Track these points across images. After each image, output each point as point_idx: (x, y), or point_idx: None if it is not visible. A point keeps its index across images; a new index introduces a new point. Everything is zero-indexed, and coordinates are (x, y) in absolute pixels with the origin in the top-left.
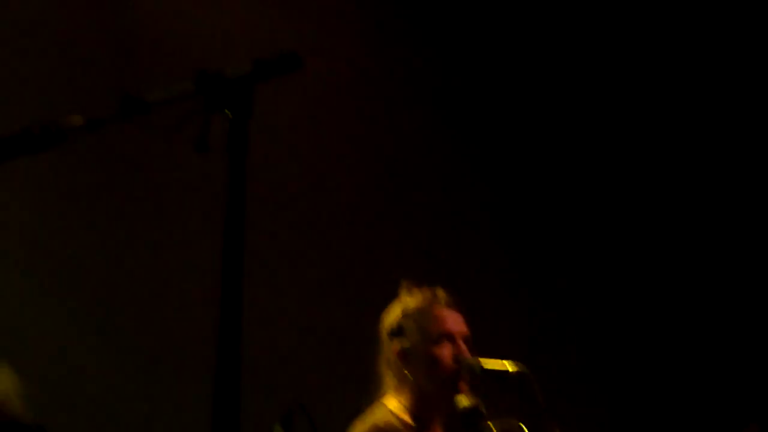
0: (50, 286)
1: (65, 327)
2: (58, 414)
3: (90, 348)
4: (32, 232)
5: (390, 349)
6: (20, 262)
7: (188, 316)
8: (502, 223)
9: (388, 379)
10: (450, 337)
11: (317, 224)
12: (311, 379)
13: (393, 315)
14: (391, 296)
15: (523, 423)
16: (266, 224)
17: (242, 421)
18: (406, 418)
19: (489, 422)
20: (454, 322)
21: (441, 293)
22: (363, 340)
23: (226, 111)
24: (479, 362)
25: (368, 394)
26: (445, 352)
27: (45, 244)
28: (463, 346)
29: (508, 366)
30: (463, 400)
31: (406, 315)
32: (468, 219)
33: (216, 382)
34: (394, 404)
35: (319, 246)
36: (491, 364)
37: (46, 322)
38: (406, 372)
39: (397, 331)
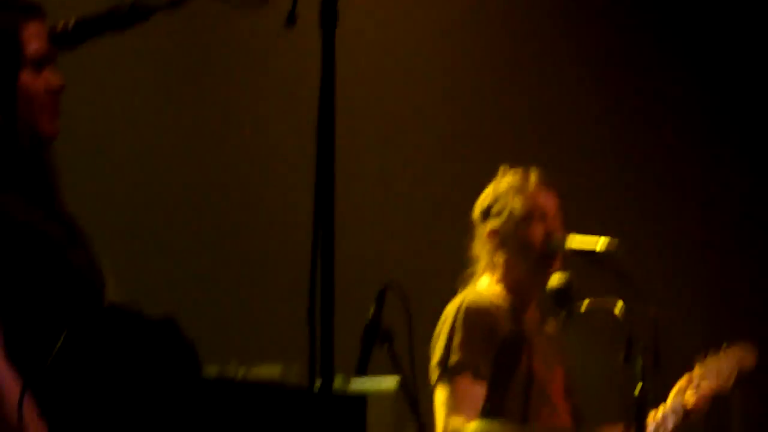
0: (138, 173)
1: (159, 215)
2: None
3: (185, 235)
4: (127, 112)
5: (482, 230)
6: (109, 147)
7: (282, 195)
8: (599, 104)
9: (482, 260)
10: (541, 216)
11: (412, 104)
12: (406, 261)
13: (486, 196)
14: (488, 179)
15: (617, 301)
16: (360, 105)
17: (337, 306)
18: (499, 298)
19: (582, 301)
20: (546, 201)
21: (533, 173)
22: (459, 221)
23: None
24: (570, 240)
25: (462, 276)
26: (537, 231)
27: (136, 126)
28: (555, 225)
29: (599, 244)
30: (556, 279)
31: (497, 195)
32: (564, 101)
33: (312, 268)
34: (487, 285)
35: (416, 126)
36: (583, 242)
37: (139, 210)
38: (498, 252)
39: (489, 212)
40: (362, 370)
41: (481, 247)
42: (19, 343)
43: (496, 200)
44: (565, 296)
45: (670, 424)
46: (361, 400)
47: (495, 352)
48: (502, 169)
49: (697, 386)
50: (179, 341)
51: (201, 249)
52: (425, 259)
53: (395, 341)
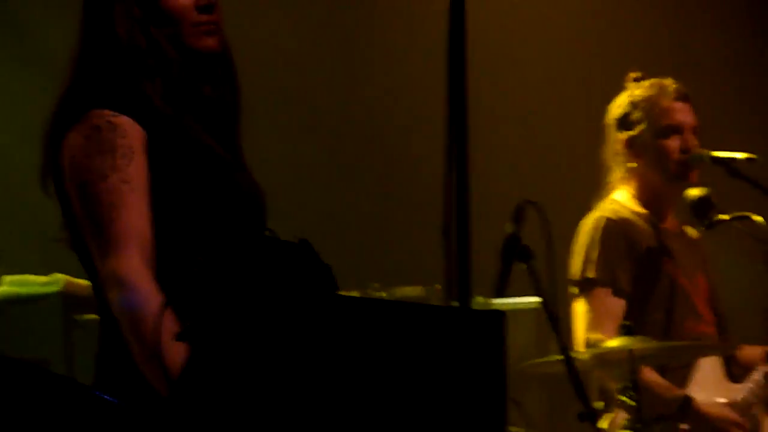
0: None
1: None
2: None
3: (321, 162)
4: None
5: (617, 139)
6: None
7: (416, 115)
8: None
9: (616, 171)
10: (678, 128)
11: (543, 22)
12: (541, 175)
13: (620, 105)
14: (618, 89)
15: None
16: (493, 25)
17: (474, 224)
18: (638, 207)
19: (722, 214)
20: (683, 113)
21: (670, 84)
22: (591, 134)
23: None
24: (707, 152)
25: (597, 187)
26: (673, 144)
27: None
28: (692, 138)
29: (737, 155)
30: (694, 191)
31: (633, 105)
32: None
33: (446, 186)
34: (623, 196)
35: (544, 46)
36: (721, 154)
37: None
38: (633, 163)
39: (624, 122)
40: (501, 289)
41: (614, 155)
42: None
43: (632, 109)
44: (705, 207)
45: None
46: (500, 314)
47: (635, 265)
48: (631, 76)
49: None
50: (315, 263)
51: (338, 173)
52: (562, 174)
53: (534, 259)
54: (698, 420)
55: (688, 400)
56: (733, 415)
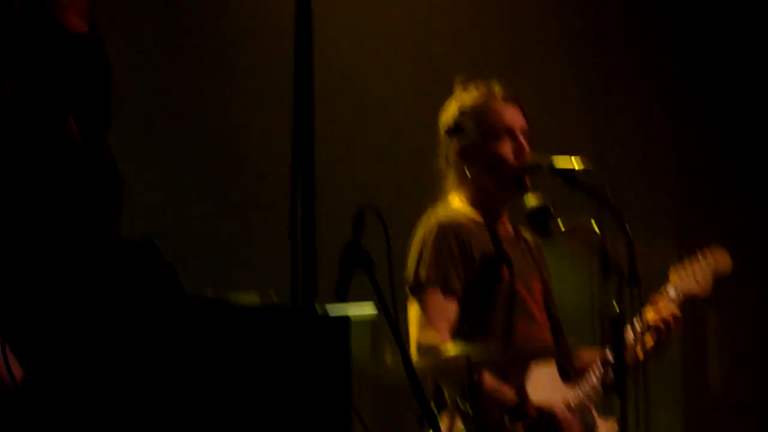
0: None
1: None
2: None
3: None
4: None
5: (449, 147)
6: None
7: (261, 121)
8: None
9: (450, 177)
10: (510, 132)
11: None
12: (379, 182)
13: (450, 112)
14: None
15: (591, 220)
16: (337, 34)
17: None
18: (470, 211)
19: (558, 220)
20: (513, 115)
21: (497, 87)
22: (426, 140)
23: None
24: (546, 159)
25: (432, 194)
26: (506, 147)
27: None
28: (524, 141)
29: (575, 163)
30: (532, 201)
31: (463, 112)
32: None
33: (293, 191)
34: (456, 200)
35: (389, 54)
36: (557, 161)
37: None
38: (467, 169)
39: (455, 129)
40: (342, 294)
41: (448, 164)
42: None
43: (461, 116)
44: (543, 217)
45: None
46: (345, 320)
47: (469, 268)
48: (458, 81)
49: (668, 297)
50: (159, 262)
51: (182, 175)
52: (404, 182)
53: (375, 264)
54: (533, 419)
55: (523, 401)
56: (568, 415)
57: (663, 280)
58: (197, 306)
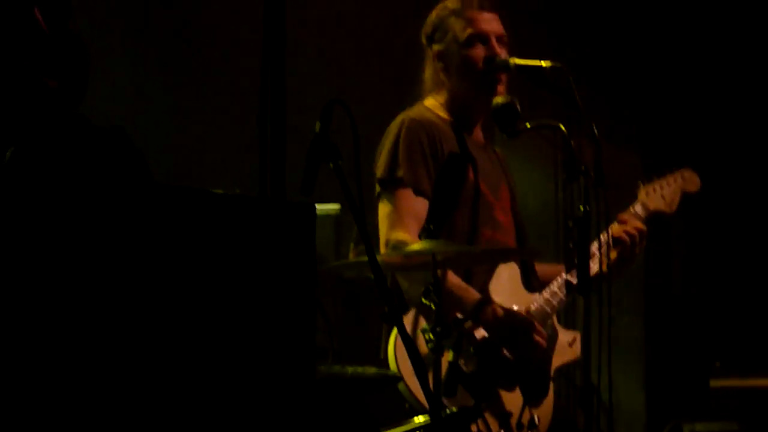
0: None
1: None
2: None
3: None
4: None
5: (428, 52)
6: None
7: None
8: None
9: (428, 81)
10: (483, 37)
11: None
12: (351, 84)
13: (429, 21)
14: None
15: (560, 123)
16: None
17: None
18: (443, 113)
19: (526, 122)
20: (488, 22)
21: None
22: (401, 40)
23: None
24: (512, 59)
25: (411, 96)
26: (477, 52)
27: None
28: (497, 47)
29: (542, 63)
30: (498, 98)
31: (440, 18)
32: None
33: (263, 84)
34: (431, 102)
35: None
36: (524, 62)
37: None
38: (443, 74)
39: (433, 35)
40: (308, 188)
41: (428, 68)
42: None
43: (439, 24)
44: (509, 114)
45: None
46: (311, 207)
47: (438, 166)
48: None
49: (635, 213)
50: (128, 149)
51: (152, 67)
52: (376, 77)
53: (341, 159)
54: (495, 322)
55: (484, 301)
56: (531, 321)
57: (627, 184)
58: (166, 192)
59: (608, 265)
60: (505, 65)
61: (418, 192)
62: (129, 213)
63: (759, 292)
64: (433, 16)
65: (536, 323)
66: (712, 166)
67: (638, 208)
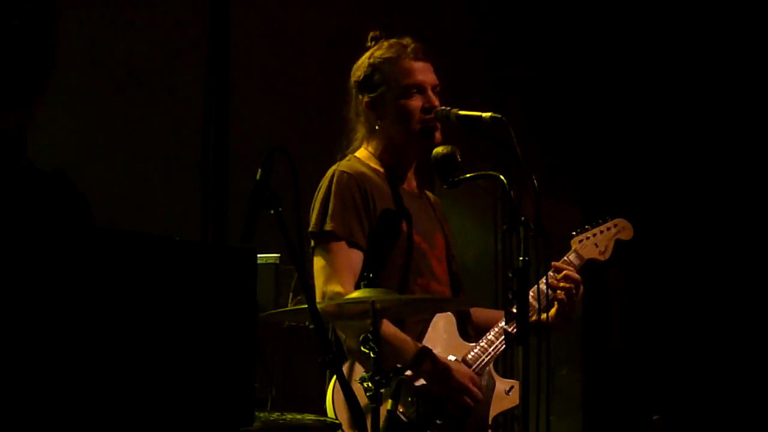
0: None
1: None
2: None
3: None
4: None
5: (359, 101)
6: None
7: (175, 68)
8: None
9: (359, 131)
10: (420, 88)
11: None
12: (290, 132)
13: (361, 67)
14: (360, 51)
15: (500, 174)
16: None
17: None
18: (375, 164)
19: (465, 173)
20: (423, 72)
21: (409, 43)
22: (337, 94)
23: None
24: (453, 110)
25: (341, 146)
26: (415, 103)
27: None
28: (434, 97)
29: (483, 114)
30: (439, 149)
31: (374, 67)
32: None
33: (205, 133)
34: (363, 154)
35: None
36: (466, 113)
37: None
38: (376, 123)
39: (366, 84)
40: (249, 234)
41: (357, 116)
42: None
43: (373, 71)
44: (449, 165)
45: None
46: (252, 252)
47: (371, 220)
48: (372, 36)
49: (569, 263)
50: (70, 193)
51: (95, 110)
52: (314, 129)
53: (281, 206)
54: (434, 372)
55: (424, 352)
56: (469, 371)
57: (565, 235)
58: (107, 236)
59: (547, 314)
60: (446, 116)
61: (351, 244)
62: (70, 256)
63: (696, 345)
64: (365, 63)
65: (473, 374)
66: (650, 218)
67: (572, 257)
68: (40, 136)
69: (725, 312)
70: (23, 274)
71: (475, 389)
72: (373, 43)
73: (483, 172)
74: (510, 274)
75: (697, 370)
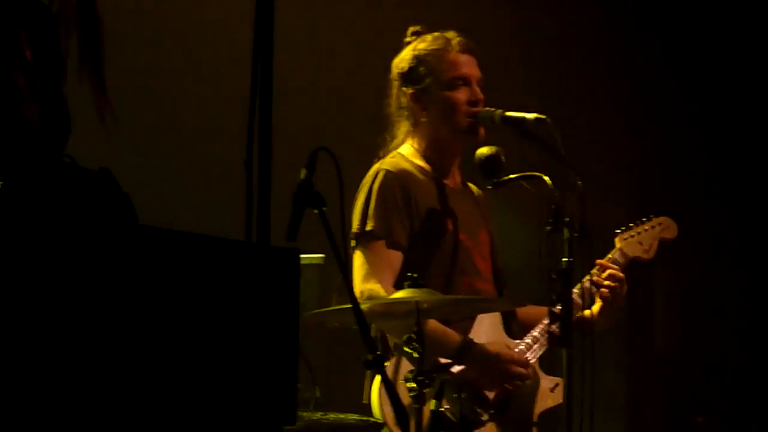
0: None
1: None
2: None
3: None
4: None
5: (403, 94)
6: None
7: (220, 63)
8: None
9: (401, 125)
10: (465, 80)
11: None
12: (334, 131)
13: (404, 60)
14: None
15: (545, 175)
16: None
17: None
18: (421, 162)
19: (509, 174)
20: (468, 66)
21: (453, 36)
22: (380, 92)
23: None
24: (498, 111)
25: (384, 143)
26: (461, 96)
27: None
28: (478, 90)
29: (527, 115)
30: (484, 149)
31: (418, 59)
32: None
33: (249, 134)
34: (407, 150)
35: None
36: (510, 114)
37: None
38: (421, 117)
39: (410, 76)
40: (293, 234)
41: (400, 110)
42: None
43: (417, 63)
44: (493, 166)
45: (588, 300)
46: (295, 251)
47: (414, 218)
48: (411, 30)
49: (613, 261)
50: (115, 192)
51: (139, 108)
52: (360, 126)
53: (326, 206)
54: (478, 358)
55: (468, 342)
56: (514, 353)
57: (611, 236)
58: (152, 235)
59: (591, 312)
60: (491, 117)
61: (390, 244)
62: (114, 255)
63: (740, 347)
64: (408, 55)
65: (517, 355)
66: (696, 219)
67: (617, 255)
68: (81, 134)
69: None
70: (70, 272)
71: (521, 369)
72: (414, 37)
73: (527, 173)
74: (554, 276)
75: (742, 372)
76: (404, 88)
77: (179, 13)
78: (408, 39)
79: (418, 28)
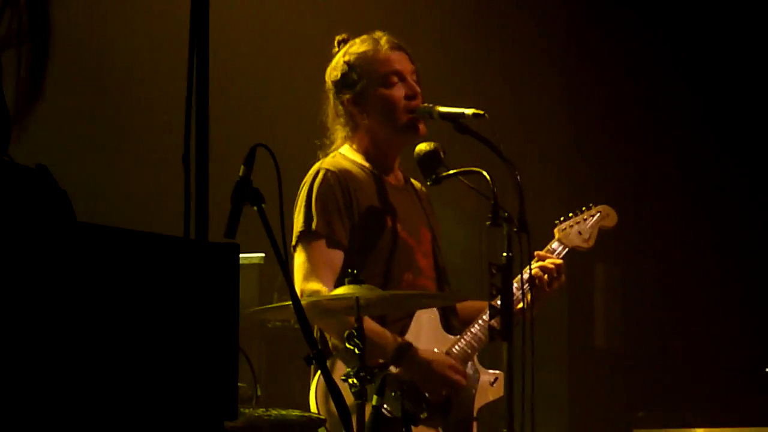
0: None
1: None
2: None
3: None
4: None
5: (340, 101)
6: None
7: (156, 62)
8: None
9: (339, 130)
10: (400, 75)
11: None
12: (273, 128)
13: (336, 67)
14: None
15: (483, 169)
16: None
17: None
18: (361, 160)
19: (449, 169)
20: (400, 61)
21: (381, 36)
22: (320, 90)
23: None
24: (435, 107)
25: (323, 146)
26: (397, 92)
27: None
28: (414, 84)
29: (465, 110)
30: (422, 145)
31: (349, 64)
32: None
33: (186, 131)
34: (347, 149)
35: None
36: (448, 110)
37: None
38: (361, 119)
39: (344, 82)
40: (231, 231)
41: (336, 117)
42: None
43: (349, 69)
44: (432, 162)
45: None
46: (234, 247)
47: (354, 216)
48: (338, 40)
49: (552, 251)
50: (51, 188)
51: (76, 104)
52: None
53: (264, 203)
54: (415, 364)
55: (405, 346)
56: (450, 360)
57: (550, 229)
58: (88, 231)
59: (530, 307)
60: (429, 113)
61: (331, 243)
62: (50, 252)
63: (681, 341)
64: (340, 62)
65: (454, 362)
66: (635, 214)
67: (555, 245)
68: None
69: (711, 308)
70: (3, 270)
71: (457, 377)
72: (341, 45)
73: (466, 169)
74: (493, 270)
75: (682, 366)
76: (340, 95)
77: (116, 8)
78: (336, 49)
79: (343, 36)
